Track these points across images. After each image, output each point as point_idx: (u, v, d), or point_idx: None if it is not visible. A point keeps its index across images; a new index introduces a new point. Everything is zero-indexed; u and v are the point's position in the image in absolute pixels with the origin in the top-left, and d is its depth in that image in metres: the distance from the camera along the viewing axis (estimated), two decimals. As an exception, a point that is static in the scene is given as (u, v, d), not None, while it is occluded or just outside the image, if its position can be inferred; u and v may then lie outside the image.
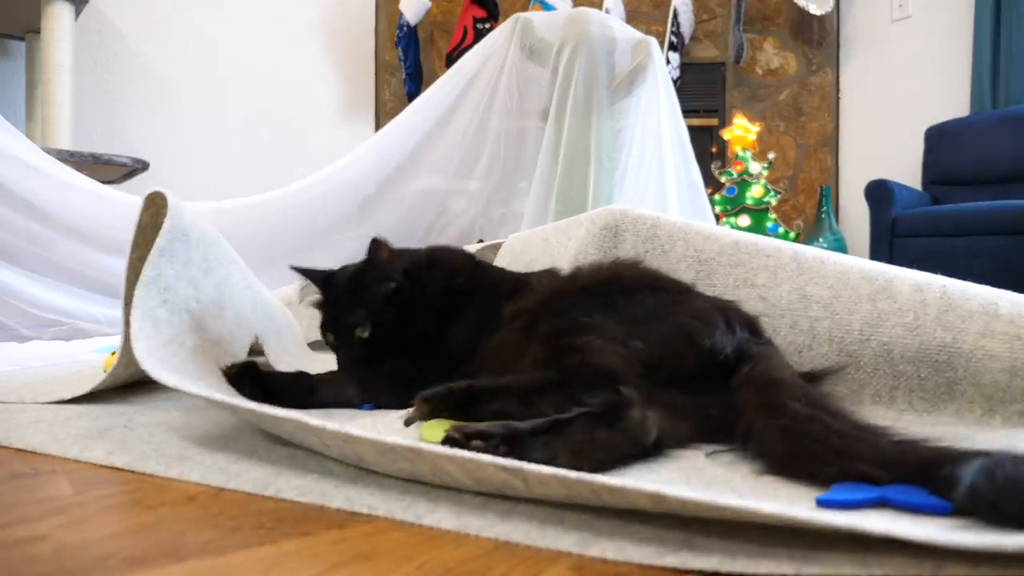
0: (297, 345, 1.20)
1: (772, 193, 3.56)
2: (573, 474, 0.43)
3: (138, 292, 0.75)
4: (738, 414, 0.60)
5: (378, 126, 4.00)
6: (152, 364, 0.67)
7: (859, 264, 0.87)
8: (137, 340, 0.70)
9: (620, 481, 0.42)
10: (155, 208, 0.85)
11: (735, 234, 0.98)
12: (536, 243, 1.25)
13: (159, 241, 0.80)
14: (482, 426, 0.54)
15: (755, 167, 3.57)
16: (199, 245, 0.86)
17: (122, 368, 0.88)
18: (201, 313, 0.83)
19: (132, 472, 0.57)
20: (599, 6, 3.71)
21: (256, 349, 1.07)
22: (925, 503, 0.45)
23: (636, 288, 0.76)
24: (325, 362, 0.99)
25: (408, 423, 0.65)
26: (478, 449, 0.50)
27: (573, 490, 0.44)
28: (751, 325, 0.72)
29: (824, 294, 0.86)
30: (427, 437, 0.62)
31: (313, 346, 1.32)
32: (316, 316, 0.87)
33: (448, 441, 0.52)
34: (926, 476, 0.46)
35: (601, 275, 0.79)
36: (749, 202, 3.54)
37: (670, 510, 0.41)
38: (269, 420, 0.59)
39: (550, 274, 0.93)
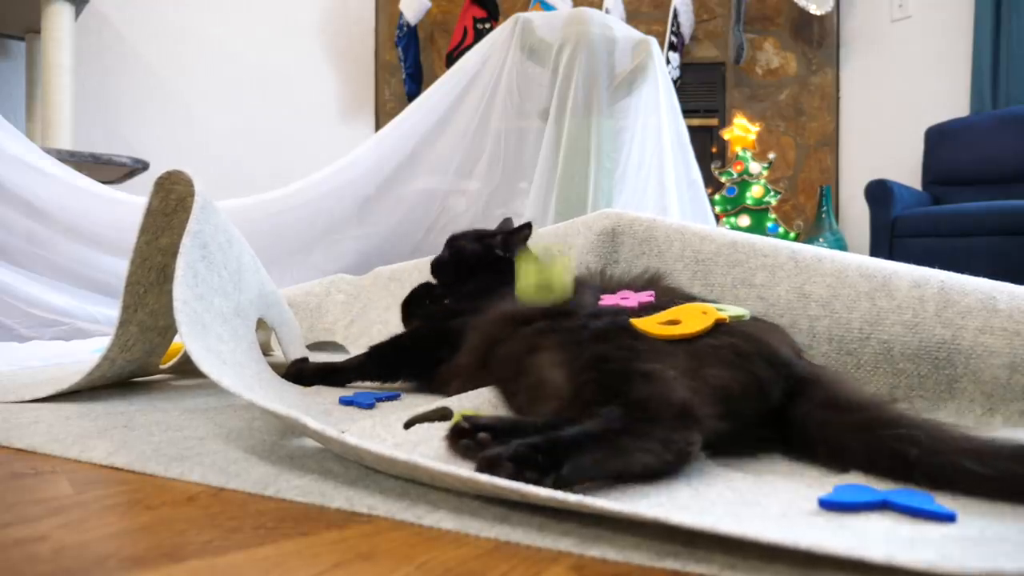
0: (300, 342, 1.20)
1: (772, 193, 3.56)
2: (573, 497, 0.43)
3: (184, 241, 0.76)
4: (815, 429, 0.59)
5: (378, 126, 4.00)
6: (185, 313, 0.69)
7: (857, 261, 0.87)
8: (178, 287, 0.71)
9: (619, 505, 0.42)
10: (164, 192, 0.86)
11: (732, 234, 0.98)
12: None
13: (197, 199, 0.81)
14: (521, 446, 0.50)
15: (755, 167, 3.57)
16: (220, 216, 0.87)
17: (117, 351, 0.88)
18: (228, 280, 0.84)
19: (132, 472, 0.57)
20: (599, 6, 3.71)
21: (264, 351, 1.08)
22: (928, 509, 0.45)
23: None
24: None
25: (407, 426, 0.65)
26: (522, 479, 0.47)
27: (573, 508, 0.44)
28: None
29: (823, 293, 0.86)
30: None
31: (311, 348, 1.32)
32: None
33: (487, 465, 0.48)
34: None
35: None
36: (749, 202, 3.54)
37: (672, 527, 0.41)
38: (269, 409, 0.58)
39: None
